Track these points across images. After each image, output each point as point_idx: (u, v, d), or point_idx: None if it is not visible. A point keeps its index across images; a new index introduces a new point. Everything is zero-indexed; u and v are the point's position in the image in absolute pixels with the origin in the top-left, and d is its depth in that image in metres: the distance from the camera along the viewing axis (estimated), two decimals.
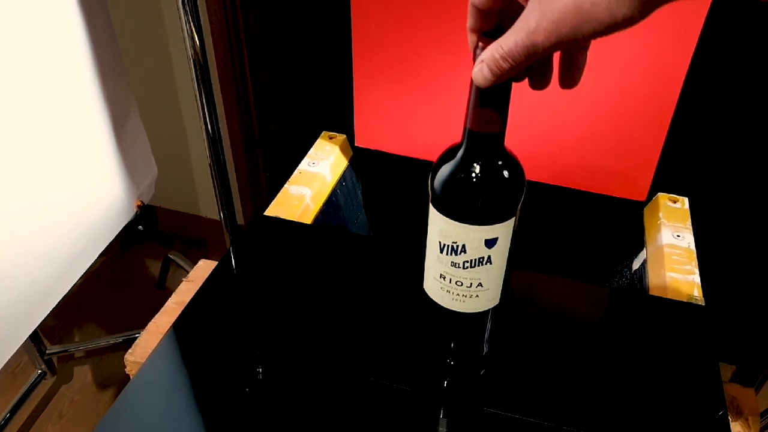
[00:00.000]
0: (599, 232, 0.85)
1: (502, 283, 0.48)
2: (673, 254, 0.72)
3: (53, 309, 1.42)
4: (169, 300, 0.61)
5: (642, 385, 0.52)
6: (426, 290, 0.49)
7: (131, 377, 0.53)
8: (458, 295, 0.47)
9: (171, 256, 1.43)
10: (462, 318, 0.49)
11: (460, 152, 0.43)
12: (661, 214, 0.78)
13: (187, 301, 0.59)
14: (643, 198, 0.78)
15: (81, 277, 1.54)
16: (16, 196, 0.68)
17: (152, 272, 1.60)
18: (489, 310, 0.49)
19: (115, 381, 1.36)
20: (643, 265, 0.77)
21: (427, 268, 0.48)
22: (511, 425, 0.49)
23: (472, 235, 0.43)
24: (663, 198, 0.81)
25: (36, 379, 1.30)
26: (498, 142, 0.42)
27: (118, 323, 1.47)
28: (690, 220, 0.78)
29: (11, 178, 0.66)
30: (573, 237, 0.86)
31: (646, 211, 0.82)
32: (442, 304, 0.48)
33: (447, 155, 0.44)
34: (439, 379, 0.53)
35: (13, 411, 1.25)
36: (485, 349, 0.53)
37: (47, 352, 1.29)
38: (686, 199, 0.81)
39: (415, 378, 0.52)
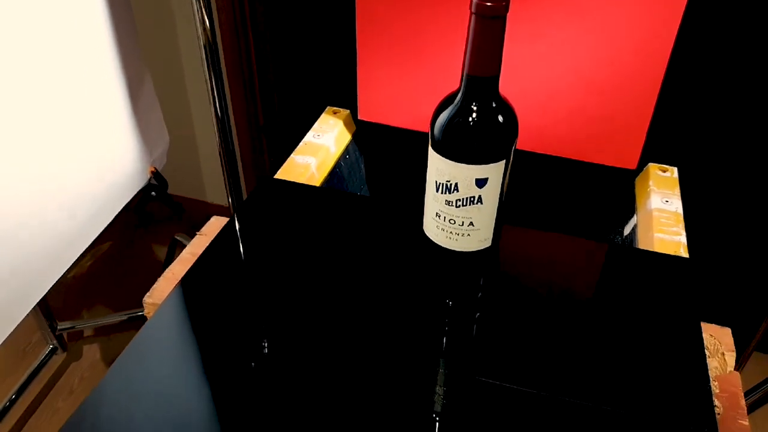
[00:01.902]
0: (592, 200, 0.88)
1: (493, 225, 0.51)
2: (661, 217, 0.76)
3: (63, 290, 1.45)
4: (184, 250, 0.64)
5: (625, 328, 0.56)
6: (425, 230, 0.53)
7: (148, 317, 0.57)
8: (452, 233, 0.50)
9: (178, 238, 1.47)
10: (457, 257, 0.52)
11: (458, 96, 0.47)
12: (651, 182, 0.82)
13: (200, 252, 0.63)
14: (633, 166, 0.81)
15: (90, 258, 1.57)
16: (39, 159, 0.72)
17: (159, 256, 1.64)
18: (481, 251, 0.53)
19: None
20: (634, 230, 0.80)
21: (426, 208, 0.52)
22: (503, 391, 0.52)
23: (463, 174, 0.47)
24: (653, 168, 0.85)
25: (47, 354, 1.34)
26: (492, 86, 0.46)
27: (126, 305, 1.51)
28: (678, 187, 0.81)
29: (36, 143, 0.71)
30: (566, 205, 0.90)
31: (638, 181, 0.86)
32: (437, 242, 0.52)
33: (448, 99, 0.48)
34: (438, 320, 0.56)
35: (24, 386, 1.28)
36: (480, 292, 0.57)
37: (58, 328, 1.33)
38: (675, 169, 0.84)
39: (417, 320, 0.56)
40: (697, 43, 0.97)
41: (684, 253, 0.70)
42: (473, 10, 0.42)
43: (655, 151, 0.83)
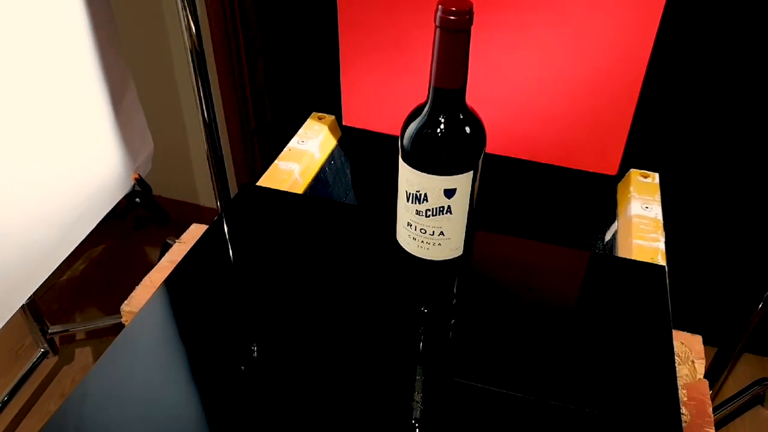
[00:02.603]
0: (573, 206, 0.89)
1: (464, 234, 0.52)
2: (640, 224, 0.76)
3: (56, 294, 1.45)
4: (163, 258, 0.65)
5: (597, 335, 0.56)
6: (398, 239, 0.54)
7: (125, 325, 0.58)
8: (423, 242, 0.51)
9: (169, 242, 1.47)
10: (429, 266, 0.53)
11: (426, 108, 0.47)
12: (631, 188, 0.82)
13: (179, 260, 0.63)
14: (614, 172, 0.81)
15: (83, 262, 1.57)
16: (21, 166, 0.72)
17: (151, 259, 1.65)
18: (454, 260, 0.53)
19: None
20: (614, 236, 0.81)
21: (398, 217, 0.52)
22: (476, 393, 0.53)
23: (432, 184, 0.47)
24: (635, 174, 0.85)
25: (38, 358, 1.34)
26: (459, 98, 0.47)
27: (118, 308, 1.51)
28: (659, 193, 0.82)
29: (16, 148, 0.71)
30: (547, 211, 0.90)
31: (620, 186, 0.86)
32: (409, 251, 0.52)
33: (416, 111, 0.48)
34: (413, 326, 0.57)
35: (16, 389, 1.29)
36: (454, 300, 0.57)
37: (49, 331, 1.33)
38: (656, 175, 0.85)
39: (393, 327, 0.56)
40: (677, 49, 0.98)
41: (662, 259, 0.71)
42: (437, 23, 0.43)
43: (636, 156, 0.84)
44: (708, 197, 1.13)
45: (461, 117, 0.47)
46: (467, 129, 0.47)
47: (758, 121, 1.03)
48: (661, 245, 0.73)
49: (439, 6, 0.42)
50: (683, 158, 1.08)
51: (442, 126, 0.46)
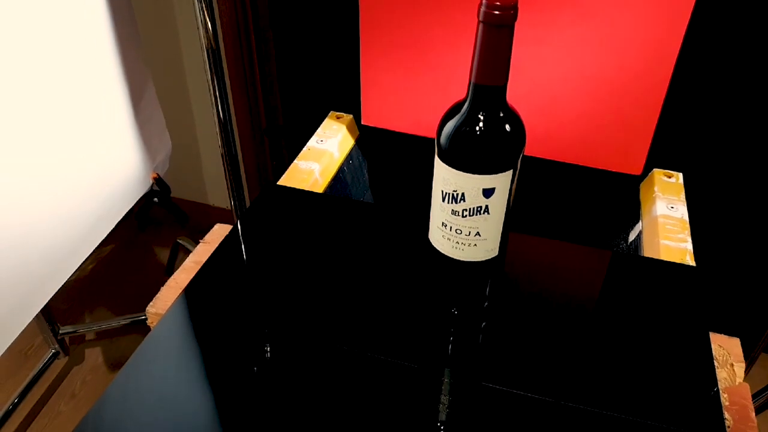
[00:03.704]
0: (596, 206, 0.88)
1: (500, 235, 0.51)
2: (667, 224, 0.75)
3: (65, 294, 1.44)
4: (188, 259, 0.64)
5: (633, 338, 0.55)
6: (430, 239, 0.53)
7: (152, 327, 0.57)
8: (458, 243, 0.50)
9: (180, 242, 1.47)
10: (463, 267, 0.52)
11: (465, 105, 0.46)
12: (656, 188, 0.81)
13: (204, 260, 0.62)
14: (638, 172, 0.80)
15: (93, 262, 1.56)
16: (40, 166, 0.71)
17: (161, 259, 1.64)
18: (489, 261, 0.52)
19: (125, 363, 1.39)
20: (639, 236, 0.80)
21: (431, 217, 0.51)
22: (510, 398, 0.52)
23: (470, 184, 0.46)
24: (658, 173, 0.84)
25: (49, 358, 1.33)
26: (500, 96, 0.46)
27: (128, 308, 1.51)
28: (684, 193, 0.81)
29: (37, 148, 0.70)
30: (570, 211, 0.89)
31: (643, 186, 0.85)
32: (443, 252, 0.51)
33: (454, 108, 0.47)
34: (444, 329, 0.56)
35: (27, 390, 1.28)
36: (486, 302, 0.56)
37: (60, 332, 1.33)
38: (680, 175, 0.84)
39: (422, 330, 0.55)
40: (704, 48, 0.96)
41: (690, 260, 0.70)
42: (481, 18, 0.42)
43: (660, 156, 0.83)
44: (732, 197, 1.12)
45: (502, 115, 0.46)
46: (508, 127, 0.46)
47: None
48: (689, 245, 0.72)
49: (483, 0, 0.41)
50: (707, 158, 1.07)
51: (482, 124, 0.45)
